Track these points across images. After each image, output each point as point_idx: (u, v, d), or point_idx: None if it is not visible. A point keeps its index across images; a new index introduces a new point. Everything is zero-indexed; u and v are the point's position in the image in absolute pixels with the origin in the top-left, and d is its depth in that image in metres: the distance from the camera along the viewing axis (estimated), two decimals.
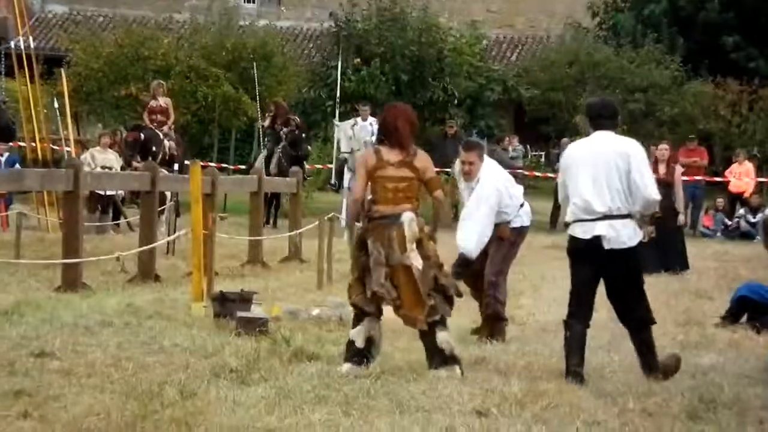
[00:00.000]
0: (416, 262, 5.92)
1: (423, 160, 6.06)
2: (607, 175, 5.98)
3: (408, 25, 25.37)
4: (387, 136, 6.03)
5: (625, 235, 6.01)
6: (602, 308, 9.13)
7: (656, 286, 10.88)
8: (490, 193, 7.08)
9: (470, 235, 7.02)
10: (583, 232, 6.04)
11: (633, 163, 6.00)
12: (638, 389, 5.82)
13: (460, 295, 6.20)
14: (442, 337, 6.01)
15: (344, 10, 26.03)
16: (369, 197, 6.08)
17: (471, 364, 6.34)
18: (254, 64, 21.53)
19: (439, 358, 5.98)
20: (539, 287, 10.55)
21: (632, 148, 6.10)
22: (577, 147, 6.30)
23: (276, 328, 7.11)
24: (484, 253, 7.18)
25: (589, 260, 6.04)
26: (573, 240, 6.12)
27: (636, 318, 6.18)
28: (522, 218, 7.43)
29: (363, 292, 5.99)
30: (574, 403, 5.45)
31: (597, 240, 5.98)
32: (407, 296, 5.93)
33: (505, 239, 7.21)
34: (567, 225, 6.19)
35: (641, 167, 6.03)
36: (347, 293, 6.19)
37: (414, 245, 5.92)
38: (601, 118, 6.17)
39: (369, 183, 6.03)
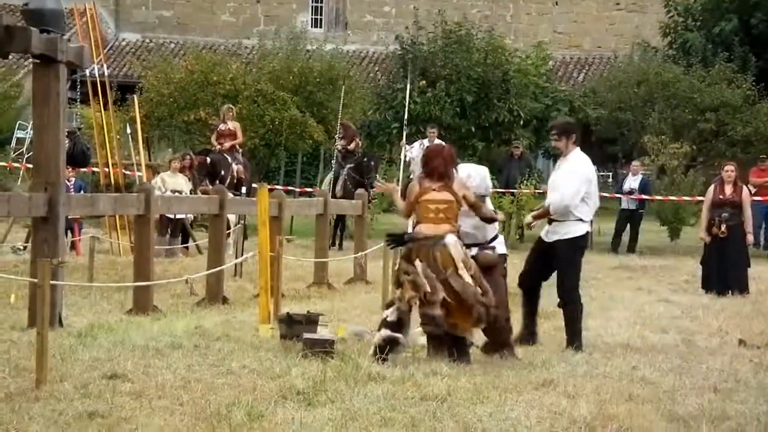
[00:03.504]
0: (464, 279, 6.84)
1: (459, 187, 7.13)
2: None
3: (473, 47, 25.36)
4: (428, 172, 7.08)
5: None
6: (671, 330, 9.04)
7: (729, 308, 10.67)
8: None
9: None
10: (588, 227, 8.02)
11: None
12: (712, 413, 5.69)
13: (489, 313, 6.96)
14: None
15: (410, 33, 26.15)
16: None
17: (538, 387, 6.28)
18: (332, 87, 21.65)
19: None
20: (607, 308, 10.39)
21: None
22: (588, 163, 8.01)
23: (342, 349, 7.13)
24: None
25: None
26: (587, 235, 8.00)
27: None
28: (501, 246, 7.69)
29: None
30: (645, 427, 5.35)
31: None
32: (456, 306, 6.80)
33: (493, 266, 7.39)
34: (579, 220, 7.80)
35: None
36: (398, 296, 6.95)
37: (462, 264, 6.88)
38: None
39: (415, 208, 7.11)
